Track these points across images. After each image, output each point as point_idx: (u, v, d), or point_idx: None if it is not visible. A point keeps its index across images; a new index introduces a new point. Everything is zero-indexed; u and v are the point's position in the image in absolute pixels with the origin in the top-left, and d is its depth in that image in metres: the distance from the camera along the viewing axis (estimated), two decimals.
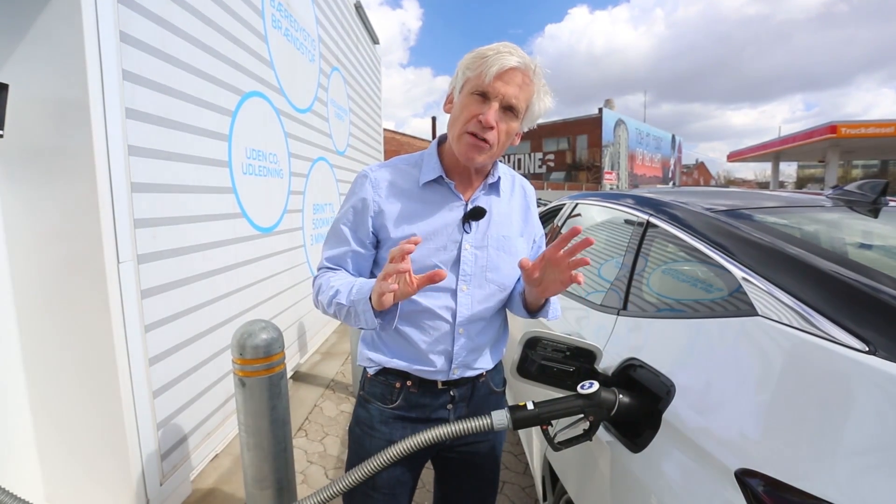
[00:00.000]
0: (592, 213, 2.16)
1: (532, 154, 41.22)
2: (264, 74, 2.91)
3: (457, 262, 1.04)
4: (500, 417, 1.01)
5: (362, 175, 1.08)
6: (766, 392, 0.76)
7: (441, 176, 1.04)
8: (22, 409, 1.68)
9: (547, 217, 3.09)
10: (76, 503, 1.75)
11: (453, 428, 0.99)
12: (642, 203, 1.62)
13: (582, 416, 1.02)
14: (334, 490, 0.96)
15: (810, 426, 0.69)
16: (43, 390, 1.69)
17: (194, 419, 2.13)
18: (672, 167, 46.04)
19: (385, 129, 9.30)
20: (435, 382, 1.09)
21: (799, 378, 0.74)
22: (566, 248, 0.90)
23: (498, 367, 1.22)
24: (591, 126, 36.32)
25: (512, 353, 1.13)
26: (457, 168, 1.06)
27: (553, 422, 1.03)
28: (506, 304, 1.16)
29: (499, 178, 1.10)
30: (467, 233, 1.04)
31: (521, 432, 2.28)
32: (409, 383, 1.09)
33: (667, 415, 0.91)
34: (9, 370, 1.63)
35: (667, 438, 0.89)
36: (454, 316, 1.05)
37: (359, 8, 5.65)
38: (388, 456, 0.96)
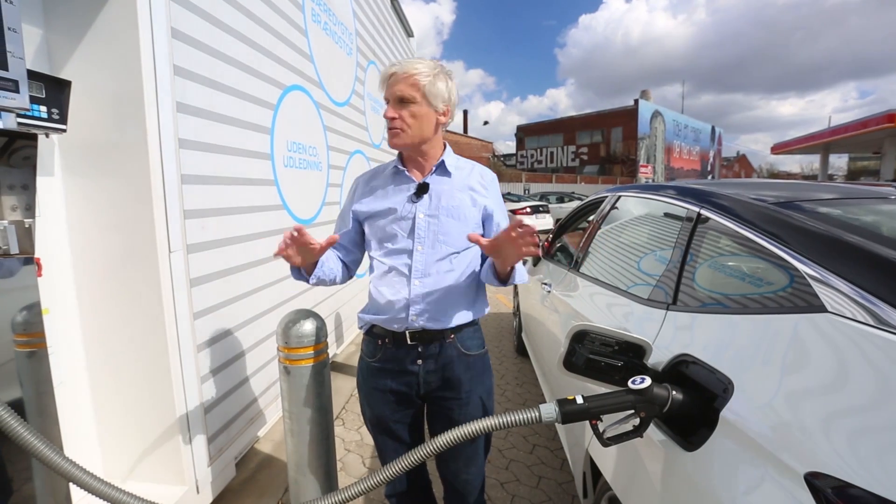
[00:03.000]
0: (635, 206, 2.10)
1: (565, 147, 40.55)
2: (304, 68, 2.95)
3: (412, 228, 1.32)
4: (548, 411, 1.00)
5: (354, 180, 1.49)
6: (839, 392, 0.72)
7: (396, 166, 1.38)
8: (83, 392, 1.77)
9: (585, 211, 3.03)
10: (132, 480, 1.83)
11: (499, 420, 0.99)
12: (691, 195, 1.56)
13: (633, 411, 1.00)
14: (376, 480, 0.98)
15: (889, 428, 0.65)
16: (102, 374, 1.78)
17: (238, 405, 2.20)
18: (711, 160, 44.44)
19: None
20: (405, 337, 1.33)
21: (875, 377, 0.70)
22: (518, 231, 1.10)
23: (469, 332, 1.40)
24: (627, 118, 35.42)
25: (560, 346, 1.11)
26: (410, 159, 1.38)
27: (602, 417, 1.01)
28: (476, 273, 1.40)
29: (442, 160, 1.37)
30: (414, 202, 1.33)
31: (559, 426, 2.26)
32: (387, 340, 1.37)
33: (724, 413, 0.87)
34: (71, 355, 1.72)
35: (725, 438, 0.86)
36: (410, 270, 1.31)
37: (394, 1, 5.66)
38: (432, 447, 0.98)
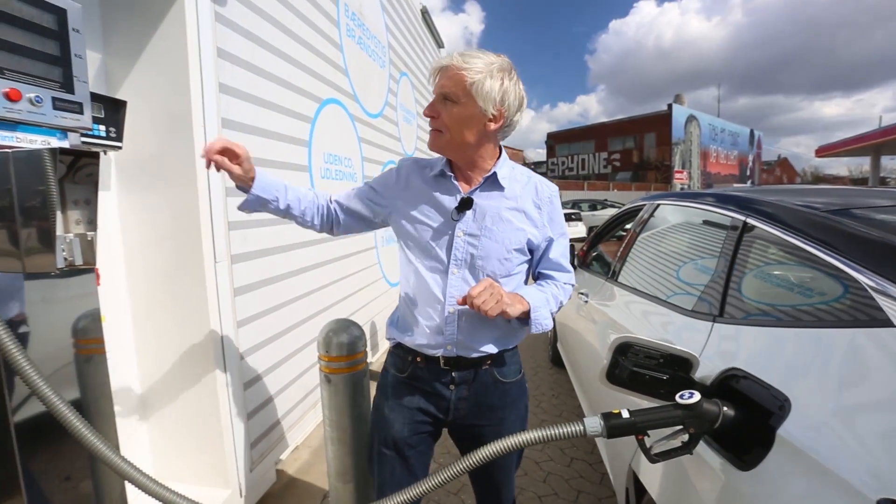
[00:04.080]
0: (675, 214, 2.06)
1: (596, 154, 39.99)
2: (340, 82, 3.02)
3: (449, 246, 1.17)
4: (593, 424, 0.98)
5: (399, 162, 1.32)
6: None
7: (443, 170, 1.21)
8: (134, 396, 1.85)
9: (622, 220, 2.98)
10: (178, 482, 1.89)
11: (543, 433, 0.97)
12: (735, 203, 1.51)
13: (681, 427, 0.97)
14: (419, 490, 0.97)
15: None
16: (152, 379, 1.85)
17: (278, 411, 2.25)
18: (751, 164, 42.94)
19: None
20: (438, 360, 1.20)
21: None
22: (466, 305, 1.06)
23: (507, 359, 1.26)
24: (660, 123, 34.66)
25: (600, 358, 1.09)
26: (458, 166, 1.21)
27: (648, 432, 0.99)
28: None
29: (494, 172, 1.19)
30: (455, 220, 1.17)
31: (598, 440, 2.21)
32: (418, 359, 1.23)
33: (782, 431, 0.84)
34: (124, 360, 1.80)
35: (784, 457, 0.82)
36: (444, 295, 1.17)
37: (425, 13, 5.74)
38: (472, 460, 0.96)
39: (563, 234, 1.29)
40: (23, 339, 1.02)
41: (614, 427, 0.97)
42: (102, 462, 0.97)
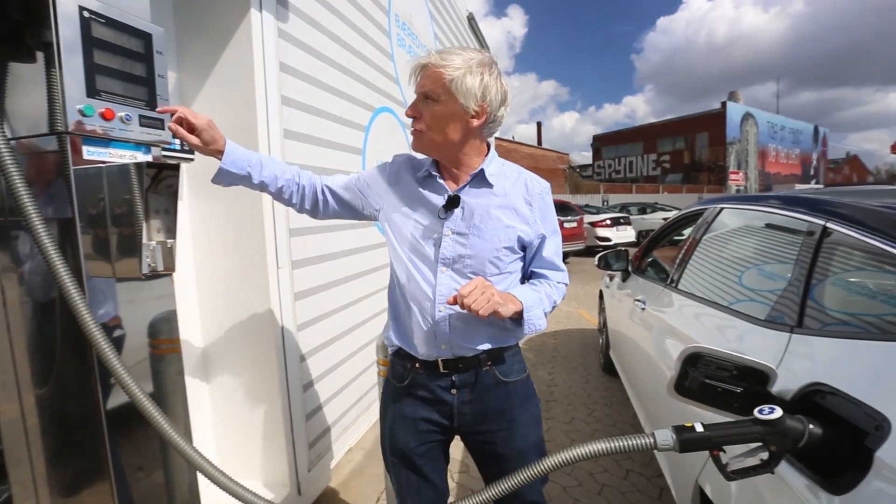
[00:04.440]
0: (741, 219, 1.96)
1: (644, 156, 38.82)
2: (391, 90, 3.08)
3: (438, 245, 1.15)
4: (664, 438, 0.94)
5: (393, 158, 1.31)
6: None
7: (429, 171, 1.19)
8: (203, 395, 1.95)
9: (679, 224, 2.87)
10: (240, 479, 1.97)
11: (611, 444, 0.95)
12: (812, 206, 1.43)
13: (760, 444, 0.92)
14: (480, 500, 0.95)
15: None
16: (218, 379, 1.95)
17: (334, 413, 2.30)
18: (815, 163, 40.41)
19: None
20: (437, 365, 1.18)
21: None
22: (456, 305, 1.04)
23: (507, 358, 1.23)
24: (713, 122, 33.24)
25: (660, 367, 1.05)
26: (444, 166, 1.20)
27: (724, 448, 0.94)
28: None
29: (481, 169, 1.16)
30: (442, 218, 1.15)
31: (658, 452, 2.13)
32: (417, 365, 1.21)
33: (881, 454, 0.78)
34: (193, 360, 1.90)
35: (884, 483, 0.76)
36: (434, 294, 1.14)
37: (471, 20, 5.77)
38: (539, 468, 0.94)
39: (556, 232, 1.25)
40: (114, 341, 1.10)
41: (687, 441, 0.93)
42: (179, 453, 1.03)
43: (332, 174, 2.26)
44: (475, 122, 1.11)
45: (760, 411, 0.91)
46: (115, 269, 1.15)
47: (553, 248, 1.24)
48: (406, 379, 1.24)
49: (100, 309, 1.16)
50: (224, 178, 1.22)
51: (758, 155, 34.36)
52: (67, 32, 1.01)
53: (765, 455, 0.92)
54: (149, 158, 1.23)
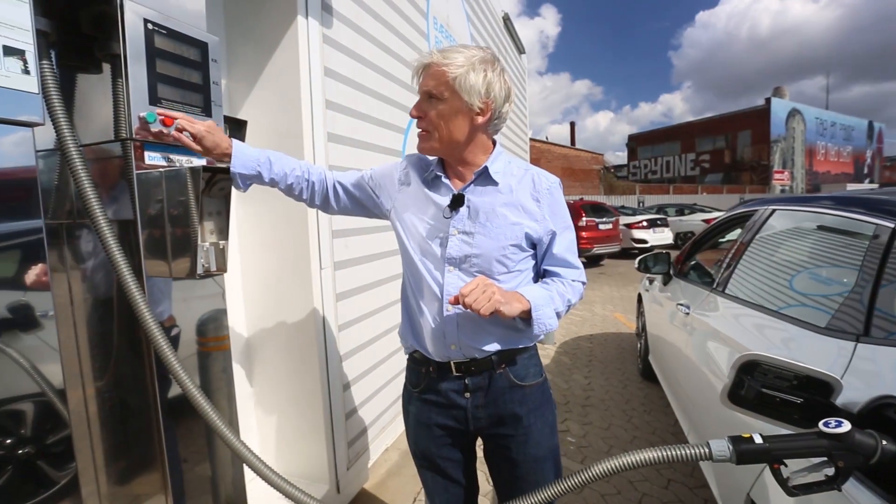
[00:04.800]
0: (796, 221, 1.87)
1: (682, 155, 37.73)
2: None
3: (445, 244, 1.14)
4: (720, 448, 0.91)
5: (406, 157, 1.31)
6: None
7: (435, 171, 1.19)
8: (246, 392, 2.00)
9: (725, 226, 2.77)
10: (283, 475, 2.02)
11: (663, 454, 0.92)
12: (875, 207, 1.35)
13: (826, 459, 0.87)
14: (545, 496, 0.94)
15: None
16: (262, 377, 2.00)
17: (372, 413, 2.33)
18: (869, 160, 38.30)
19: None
20: (449, 367, 1.17)
21: None
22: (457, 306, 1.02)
23: (520, 360, 1.20)
24: (756, 119, 31.99)
25: (705, 374, 1.02)
26: (450, 165, 1.19)
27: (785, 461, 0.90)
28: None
29: (485, 167, 1.15)
30: (447, 217, 1.14)
31: (705, 464, 2.06)
32: (431, 369, 1.20)
33: None
34: (237, 359, 1.96)
35: None
36: (442, 294, 1.14)
37: (506, 20, 5.75)
38: (592, 473, 0.92)
39: (568, 228, 1.21)
40: (171, 339, 1.14)
41: (745, 453, 0.90)
42: (227, 446, 1.06)
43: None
44: (480, 120, 1.11)
45: (826, 424, 0.87)
46: (171, 269, 1.19)
47: (565, 245, 1.20)
48: (421, 384, 1.23)
49: (156, 307, 1.21)
50: (236, 180, 1.22)
51: (805, 153, 32.83)
52: (134, 44, 1.06)
53: (830, 471, 0.87)
54: (203, 163, 1.28)
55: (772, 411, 1.01)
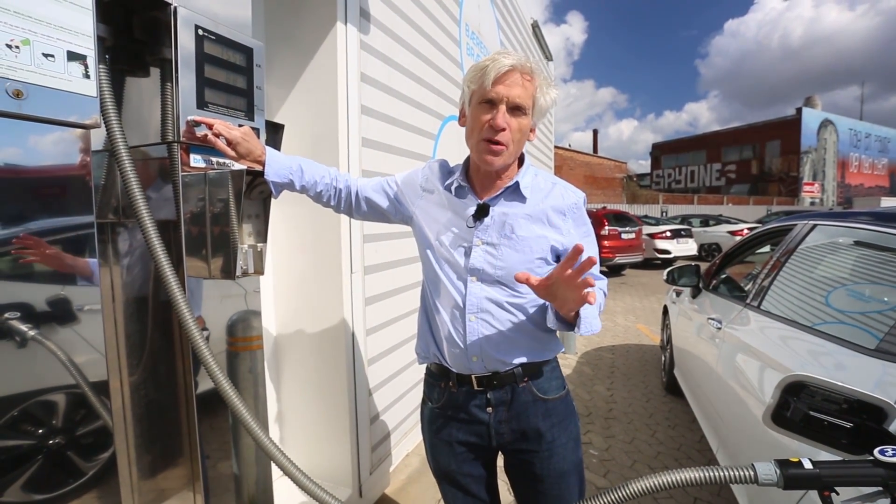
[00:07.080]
0: (839, 236, 1.82)
1: (707, 165, 37.06)
2: None
3: (468, 254, 1.11)
4: (766, 471, 0.88)
5: (428, 163, 1.28)
6: None
7: (459, 181, 1.15)
8: (271, 393, 2.02)
9: (760, 240, 2.70)
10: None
11: (705, 474, 0.89)
12: None
13: (881, 489, 0.84)
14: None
15: None
16: (288, 378, 2.02)
17: (395, 419, 2.33)
18: None
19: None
20: (470, 381, 1.14)
21: None
22: (574, 266, 0.89)
23: (545, 372, 1.17)
24: (786, 129, 31.25)
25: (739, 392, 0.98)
26: (478, 174, 1.15)
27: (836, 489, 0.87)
28: (539, 309, 1.14)
29: (516, 182, 1.12)
30: (470, 227, 1.11)
31: (737, 486, 2.00)
32: (450, 383, 1.17)
33: None
34: (266, 358, 1.98)
35: None
36: (464, 302, 1.11)
37: (535, 28, 5.74)
38: (630, 490, 0.90)
39: (593, 242, 1.17)
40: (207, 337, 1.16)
41: (794, 478, 0.86)
42: (256, 443, 1.06)
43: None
44: (531, 137, 1.11)
45: (882, 452, 0.83)
46: (210, 269, 1.21)
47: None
48: (441, 399, 1.20)
49: (195, 306, 1.23)
50: (269, 186, 1.22)
51: (837, 165, 31.93)
52: (185, 49, 1.08)
53: (886, 502, 0.83)
54: (244, 166, 1.30)
55: (818, 435, 0.97)
